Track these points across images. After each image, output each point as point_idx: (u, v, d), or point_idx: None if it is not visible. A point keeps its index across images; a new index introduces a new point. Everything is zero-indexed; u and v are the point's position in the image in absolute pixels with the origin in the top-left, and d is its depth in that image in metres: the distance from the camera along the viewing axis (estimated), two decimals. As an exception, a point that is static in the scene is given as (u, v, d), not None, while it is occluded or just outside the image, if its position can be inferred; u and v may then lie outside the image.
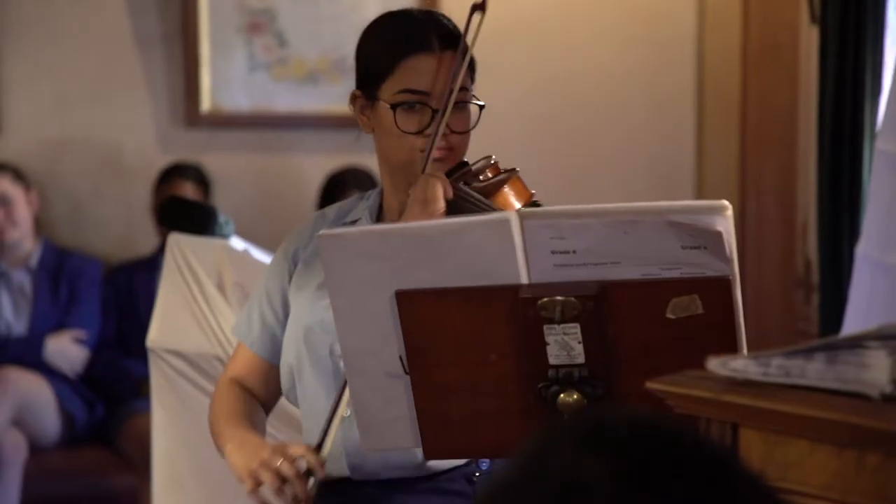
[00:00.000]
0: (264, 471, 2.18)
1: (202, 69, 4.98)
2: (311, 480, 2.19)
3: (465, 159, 2.34)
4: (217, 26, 4.98)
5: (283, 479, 2.17)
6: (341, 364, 2.23)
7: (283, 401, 3.19)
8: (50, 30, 4.99)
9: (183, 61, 4.99)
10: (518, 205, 2.26)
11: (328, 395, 2.33)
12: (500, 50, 4.99)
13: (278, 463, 2.18)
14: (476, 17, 2.28)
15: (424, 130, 2.28)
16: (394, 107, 2.28)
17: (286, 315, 2.42)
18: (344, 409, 2.26)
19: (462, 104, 2.30)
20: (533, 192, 2.32)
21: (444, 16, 2.36)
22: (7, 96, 5.00)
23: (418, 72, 2.27)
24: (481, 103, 2.32)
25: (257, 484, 2.20)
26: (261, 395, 2.49)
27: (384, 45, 2.31)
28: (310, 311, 2.35)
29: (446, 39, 2.30)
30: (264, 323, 2.44)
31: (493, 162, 2.34)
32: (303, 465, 2.20)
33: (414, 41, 2.28)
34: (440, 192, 2.19)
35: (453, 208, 2.21)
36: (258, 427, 2.39)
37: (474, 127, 2.32)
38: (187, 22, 4.96)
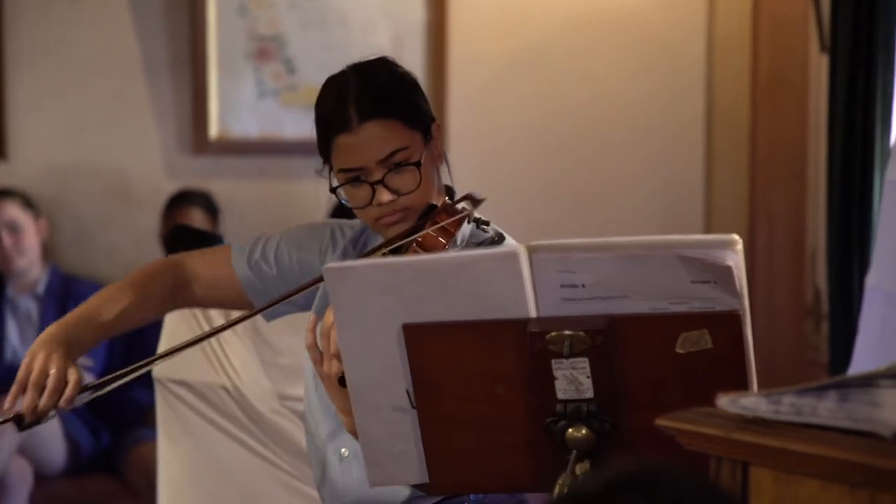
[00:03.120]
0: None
1: (210, 95, 4.98)
2: None
3: (435, 202, 2.32)
4: (226, 53, 4.98)
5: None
6: None
7: (279, 423, 3.18)
8: (58, 55, 4.99)
9: (191, 87, 4.99)
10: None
11: (333, 428, 2.33)
12: (510, 79, 4.99)
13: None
14: None
15: (373, 202, 2.27)
16: (335, 188, 2.31)
17: (283, 270, 2.44)
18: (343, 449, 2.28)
19: (403, 165, 2.27)
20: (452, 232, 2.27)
21: (373, 72, 2.32)
22: (15, 121, 5.00)
23: (345, 152, 2.27)
24: (416, 161, 2.27)
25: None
26: (192, 299, 2.51)
27: (318, 123, 2.32)
28: None
29: (363, 110, 2.26)
30: (265, 257, 2.46)
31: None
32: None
33: (335, 121, 2.27)
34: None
35: None
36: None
37: (418, 185, 2.27)
38: (196, 48, 4.96)
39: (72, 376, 2.27)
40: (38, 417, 2.27)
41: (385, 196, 2.26)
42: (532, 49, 4.99)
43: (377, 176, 2.26)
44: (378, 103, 2.27)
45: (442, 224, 2.26)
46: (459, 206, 2.29)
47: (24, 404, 2.26)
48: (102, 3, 5.00)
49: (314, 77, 4.93)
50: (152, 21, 5.00)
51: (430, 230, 2.26)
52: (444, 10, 4.97)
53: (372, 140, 2.26)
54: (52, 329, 2.34)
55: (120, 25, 5.00)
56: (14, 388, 2.28)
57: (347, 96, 2.28)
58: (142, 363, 2.35)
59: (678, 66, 5.03)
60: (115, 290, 2.45)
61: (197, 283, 2.49)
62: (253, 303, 2.46)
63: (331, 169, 2.33)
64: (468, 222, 2.31)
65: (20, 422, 2.28)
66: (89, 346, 2.38)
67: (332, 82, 2.33)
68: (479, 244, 2.31)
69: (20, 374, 2.27)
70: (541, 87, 5.03)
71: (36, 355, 2.28)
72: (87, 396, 2.33)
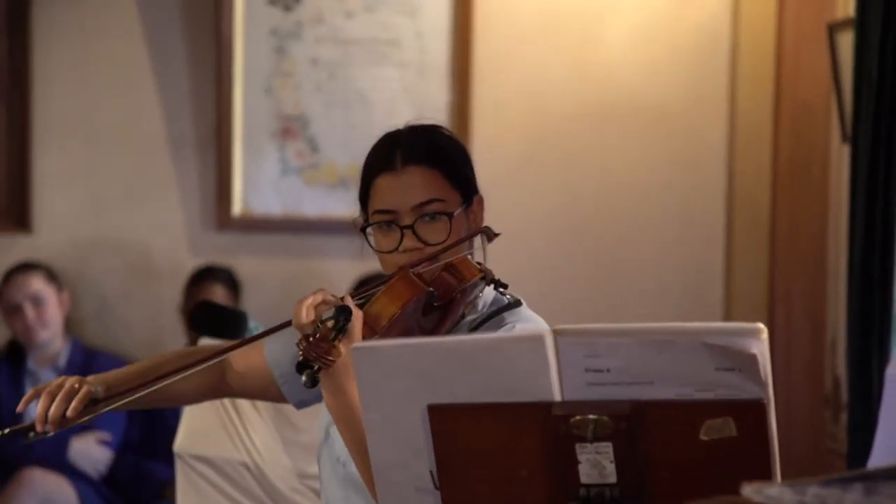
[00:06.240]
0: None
1: (234, 173, 5.02)
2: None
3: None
4: (250, 131, 5.03)
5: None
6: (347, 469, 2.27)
7: (298, 501, 3.17)
8: (85, 130, 5.05)
9: (215, 165, 5.03)
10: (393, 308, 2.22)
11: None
12: (532, 162, 5.02)
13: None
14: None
15: (399, 248, 2.29)
16: (364, 228, 2.33)
17: None
18: None
19: (434, 216, 2.30)
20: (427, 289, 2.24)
21: (427, 129, 2.38)
22: (40, 196, 5.04)
23: (383, 192, 2.31)
24: (449, 212, 2.31)
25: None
26: (227, 389, 2.51)
27: (363, 170, 2.36)
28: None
29: (410, 154, 2.31)
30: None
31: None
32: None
33: (379, 162, 2.33)
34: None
35: None
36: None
37: (463, 240, 2.31)
38: (221, 126, 5.01)
39: (82, 389, 2.28)
40: (45, 430, 2.27)
41: (411, 242, 2.28)
42: (554, 133, 5.03)
43: (408, 221, 2.29)
44: (424, 152, 2.33)
45: (446, 267, 2.25)
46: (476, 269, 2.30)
47: (36, 411, 2.28)
48: (130, 80, 5.06)
49: (337, 156, 4.98)
50: (179, 99, 5.05)
51: (428, 268, 2.24)
52: (467, 92, 5.02)
53: (411, 184, 2.30)
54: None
55: (146, 103, 5.05)
56: (29, 393, 2.32)
57: (398, 142, 2.34)
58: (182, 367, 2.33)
59: (700, 152, 5.05)
60: (163, 358, 2.45)
61: (231, 371, 2.47)
62: (279, 386, 2.44)
63: (366, 220, 2.34)
64: (487, 283, 2.32)
65: (27, 433, 2.30)
66: (121, 390, 2.34)
67: (386, 135, 2.38)
68: (500, 309, 2.33)
69: (39, 386, 2.33)
70: (562, 171, 5.05)
71: (62, 375, 2.32)
72: (100, 408, 2.31)
